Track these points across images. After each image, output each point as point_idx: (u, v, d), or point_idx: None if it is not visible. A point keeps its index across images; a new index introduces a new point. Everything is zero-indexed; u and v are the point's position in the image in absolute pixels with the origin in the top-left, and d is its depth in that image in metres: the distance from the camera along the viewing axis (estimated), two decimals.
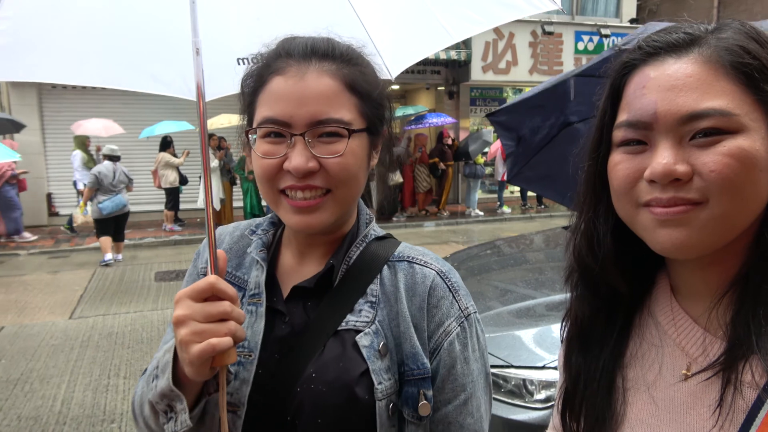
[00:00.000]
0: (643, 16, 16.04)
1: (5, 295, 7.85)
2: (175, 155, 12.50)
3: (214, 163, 12.27)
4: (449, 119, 13.90)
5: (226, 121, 11.09)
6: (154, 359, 0.99)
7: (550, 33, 14.80)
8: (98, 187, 9.10)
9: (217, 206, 12.47)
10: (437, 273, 1.05)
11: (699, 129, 0.69)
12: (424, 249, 1.13)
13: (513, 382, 2.77)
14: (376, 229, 1.13)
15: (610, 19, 15.87)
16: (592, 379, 0.86)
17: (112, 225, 9.49)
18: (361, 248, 1.08)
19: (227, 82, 1.59)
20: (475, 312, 1.07)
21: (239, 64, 1.52)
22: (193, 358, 0.84)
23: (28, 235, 11.29)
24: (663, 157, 0.70)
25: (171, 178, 12.25)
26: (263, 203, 11.83)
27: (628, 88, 0.76)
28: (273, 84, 0.97)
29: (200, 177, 12.62)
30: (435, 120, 13.62)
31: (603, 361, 0.86)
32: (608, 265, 0.83)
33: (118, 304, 7.35)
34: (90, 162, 12.37)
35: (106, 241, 9.46)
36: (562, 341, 0.96)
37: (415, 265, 1.07)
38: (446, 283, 1.04)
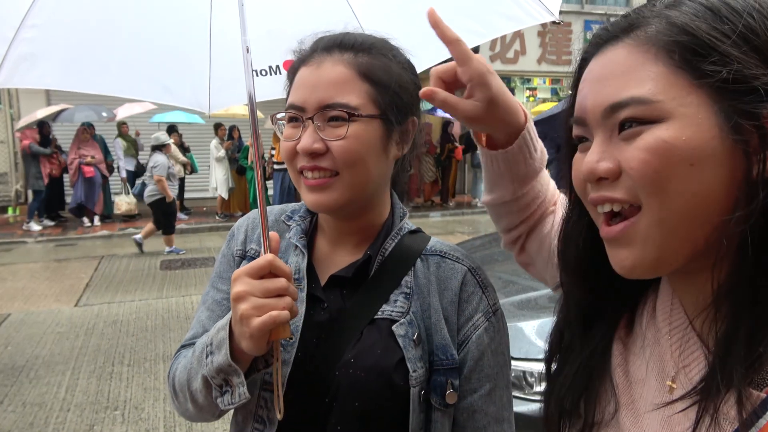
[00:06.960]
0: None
1: (12, 282, 7.92)
2: (182, 144, 12.50)
3: (221, 152, 12.26)
4: None
5: (242, 112, 11.23)
6: (206, 336, 1.03)
7: (559, 22, 14.66)
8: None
9: (225, 195, 12.49)
10: (468, 269, 1.10)
11: (620, 120, 0.62)
12: (454, 245, 1.18)
13: (513, 374, 2.75)
14: (408, 224, 1.18)
15: (620, 8, 15.69)
16: (576, 360, 0.80)
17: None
18: (396, 241, 1.13)
19: (237, 92, 1.69)
20: (501, 308, 1.12)
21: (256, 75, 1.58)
22: (254, 330, 0.89)
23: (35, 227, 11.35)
24: (590, 155, 0.65)
25: (176, 168, 12.26)
26: (269, 193, 11.84)
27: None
28: (298, 74, 1.05)
29: (209, 166, 12.67)
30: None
31: (595, 344, 0.79)
32: (577, 267, 0.78)
33: (123, 293, 7.39)
34: (131, 149, 12.43)
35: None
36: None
37: (447, 260, 1.12)
38: (476, 280, 1.10)
